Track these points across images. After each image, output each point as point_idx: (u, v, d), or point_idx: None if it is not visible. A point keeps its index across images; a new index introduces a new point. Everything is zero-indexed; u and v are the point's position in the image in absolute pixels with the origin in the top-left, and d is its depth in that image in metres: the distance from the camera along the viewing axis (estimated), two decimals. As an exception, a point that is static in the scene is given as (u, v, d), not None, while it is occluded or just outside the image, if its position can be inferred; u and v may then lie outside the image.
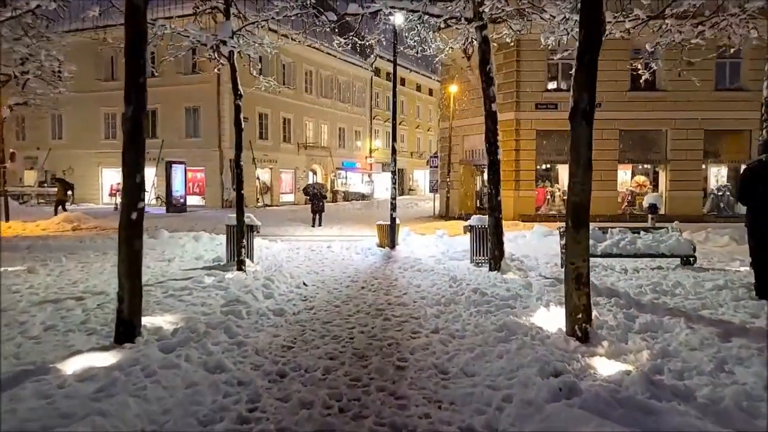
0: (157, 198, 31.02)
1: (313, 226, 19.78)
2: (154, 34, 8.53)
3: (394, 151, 13.81)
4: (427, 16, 9.33)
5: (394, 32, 12.47)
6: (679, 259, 9.40)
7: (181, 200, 28.34)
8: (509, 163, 21.06)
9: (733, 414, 3.42)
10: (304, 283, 8.52)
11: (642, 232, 9.70)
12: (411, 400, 3.98)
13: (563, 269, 9.19)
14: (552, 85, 22.80)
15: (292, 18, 9.14)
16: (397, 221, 13.41)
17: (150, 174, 31.99)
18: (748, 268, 8.66)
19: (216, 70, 10.07)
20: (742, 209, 22.27)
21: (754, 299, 6.62)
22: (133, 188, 5.27)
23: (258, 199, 33.01)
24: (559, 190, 23.18)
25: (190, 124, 32.05)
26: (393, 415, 3.72)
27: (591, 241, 6.15)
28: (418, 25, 9.86)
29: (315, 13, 9.35)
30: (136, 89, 5.17)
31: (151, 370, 4.28)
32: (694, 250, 9.39)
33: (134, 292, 5.26)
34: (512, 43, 12.05)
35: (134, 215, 5.22)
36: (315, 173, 39.85)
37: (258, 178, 33.05)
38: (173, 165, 28.37)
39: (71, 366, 4.45)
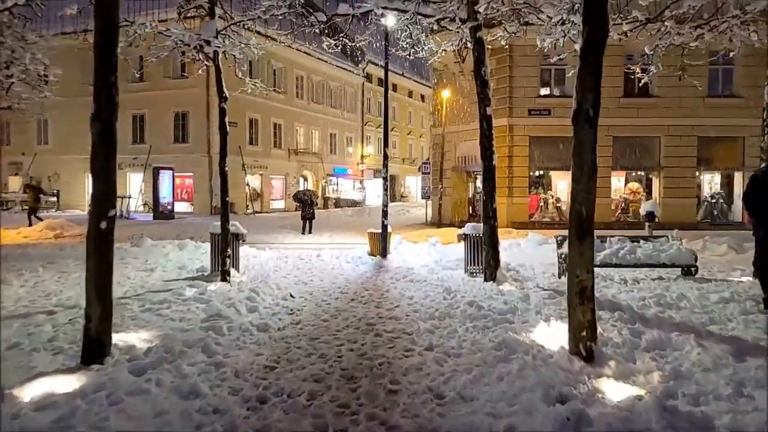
0: (145, 204, 30.47)
1: (303, 233, 19.38)
2: (134, 33, 8.14)
3: (385, 157, 13.46)
4: (419, 17, 9.00)
5: (385, 35, 12.16)
6: (679, 269, 9.09)
7: (169, 207, 27.82)
8: (502, 170, 20.76)
9: (762, 448, 3.08)
10: (291, 295, 8.13)
11: (641, 241, 9.40)
12: (404, 431, 3.61)
13: (561, 279, 8.93)
14: (545, 91, 22.59)
15: (280, 18, 8.78)
16: (389, 229, 13.04)
17: (137, 180, 31.53)
18: (751, 279, 8.40)
19: (200, 71, 9.68)
20: (736, 217, 22.29)
21: (763, 313, 6.31)
22: (102, 195, 4.86)
23: (248, 205, 32.55)
24: (553, 197, 22.95)
25: (178, 129, 31.56)
26: (384, 449, 3.34)
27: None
28: (411, 26, 9.54)
29: (304, 13, 9.00)
30: (106, 88, 4.78)
31: (117, 397, 3.88)
32: (696, 259, 9.09)
33: (104, 308, 4.86)
34: (506, 46, 11.76)
35: (104, 224, 4.82)
36: (306, 179, 39.44)
37: (248, 185, 32.59)
38: (161, 171, 27.84)
39: (30, 392, 4.04)
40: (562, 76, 22.35)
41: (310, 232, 19.46)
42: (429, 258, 12.10)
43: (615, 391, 4.08)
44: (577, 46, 9.11)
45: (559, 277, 9.11)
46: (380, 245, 12.71)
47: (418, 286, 8.90)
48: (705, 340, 5.20)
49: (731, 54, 9.72)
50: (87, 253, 4.86)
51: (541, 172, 23.13)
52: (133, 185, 31.96)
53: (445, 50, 10.47)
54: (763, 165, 8.48)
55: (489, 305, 6.85)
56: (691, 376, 4.31)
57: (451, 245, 13.33)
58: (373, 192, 46.49)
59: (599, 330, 5.08)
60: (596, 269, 8.83)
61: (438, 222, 24.47)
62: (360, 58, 45.10)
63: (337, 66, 41.90)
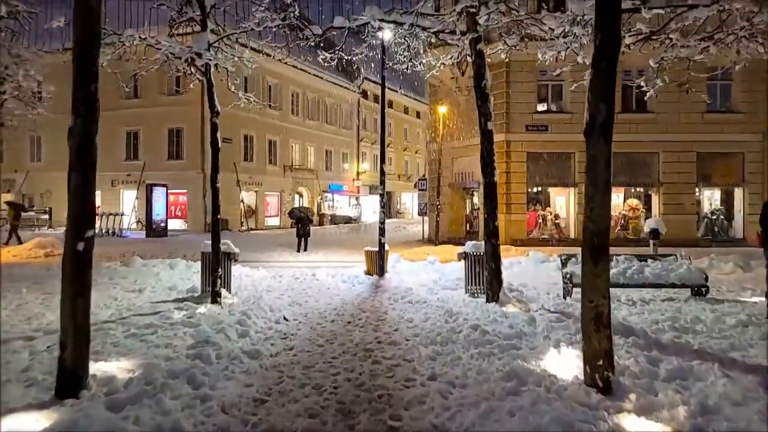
0: (138, 222, 30.03)
1: (298, 251, 19.01)
2: (122, 45, 7.84)
3: (382, 173, 13.16)
4: (418, 29, 8.73)
5: (382, 48, 11.92)
6: (689, 289, 8.74)
7: (162, 224, 27.38)
8: (500, 186, 20.27)
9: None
10: (284, 318, 7.74)
11: (649, 260, 9.06)
12: (408, 478, 3.23)
13: (566, 300, 8.58)
14: (542, 107, 22.41)
15: (274, 30, 8.50)
16: (386, 247, 12.68)
17: (131, 197, 31.14)
18: (763, 299, 8.06)
19: (192, 85, 9.37)
20: (737, 233, 22.00)
21: (784, 338, 5.97)
22: (80, 214, 4.51)
23: (242, 222, 32.15)
24: (551, 213, 22.66)
25: (173, 146, 31.24)
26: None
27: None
28: (408, 39, 9.28)
29: (299, 26, 8.72)
30: (85, 99, 4.45)
31: (89, 439, 3.50)
32: (707, 279, 8.74)
33: (80, 336, 4.49)
34: (506, 59, 11.52)
35: (81, 246, 4.46)
36: (301, 196, 39.09)
37: (242, 201, 32.23)
38: (154, 188, 27.45)
39: (-7, 432, 3.65)
40: (559, 91, 22.24)
41: (305, 250, 19.09)
42: (428, 277, 11.73)
43: (638, 427, 3.72)
44: (580, 59, 8.94)
45: (565, 298, 8.77)
46: (377, 264, 12.34)
47: (418, 307, 8.52)
48: (729, 368, 4.85)
49: (737, 67, 9.47)
50: (63, 276, 4.51)
51: (539, 189, 22.86)
52: (126, 202, 31.60)
53: (444, 64, 10.20)
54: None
55: (494, 329, 6.48)
56: (720, 411, 3.95)
57: (450, 263, 12.97)
58: (369, 208, 46.21)
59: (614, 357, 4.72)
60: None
61: (435, 239, 24.11)
62: (356, 74, 45.09)
63: (332, 82, 41.83)
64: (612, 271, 8.75)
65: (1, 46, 13.62)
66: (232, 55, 8.65)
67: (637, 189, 22.98)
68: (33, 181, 34.26)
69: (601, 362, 4.35)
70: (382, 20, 8.93)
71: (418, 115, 54.91)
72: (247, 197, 33.11)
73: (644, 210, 22.48)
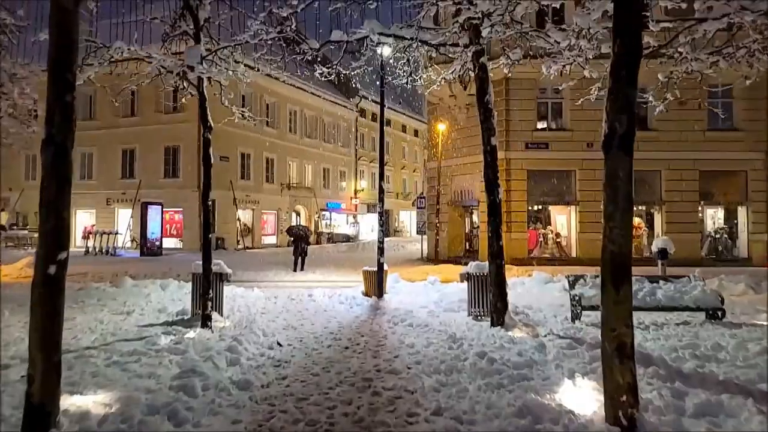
0: (133, 240, 29.60)
1: (294, 270, 18.56)
2: (111, 58, 7.53)
3: (381, 191, 12.81)
4: (419, 44, 8.44)
5: (381, 64, 11.64)
6: (703, 312, 8.33)
7: (157, 243, 26.91)
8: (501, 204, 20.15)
9: None
10: (278, 343, 7.30)
11: (661, 282, 8.66)
12: None
13: (575, 324, 8.16)
14: (542, 125, 22.19)
15: (269, 43, 8.21)
16: (385, 267, 12.26)
17: (126, 215, 30.74)
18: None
19: (183, 100, 9.05)
20: (741, 253, 21.59)
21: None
22: (52, 233, 4.10)
23: (239, 240, 31.72)
24: (552, 232, 22.31)
25: (169, 164, 30.93)
26: None
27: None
28: (408, 53, 9.00)
29: (295, 39, 8.43)
30: (61, 109, 4.09)
31: (50, 491, 3.07)
32: (722, 302, 8.35)
33: (49, 369, 4.08)
34: (506, 76, 11.29)
35: (52, 269, 4.06)
36: (298, 214, 38.71)
37: (239, 220, 31.84)
38: (149, 206, 27.05)
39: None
40: (559, 109, 22.04)
41: (302, 269, 18.66)
42: (428, 298, 11.30)
43: (671, 475, 3.30)
44: (587, 72, 8.65)
45: (573, 321, 8.35)
46: (376, 285, 11.92)
47: (419, 331, 8.10)
48: (761, 403, 4.44)
49: (747, 82, 9.19)
50: (31, 302, 4.11)
51: (540, 207, 22.54)
52: (121, 221, 31.18)
53: (444, 79, 9.91)
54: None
55: (501, 356, 6.06)
56: (760, 454, 3.54)
57: (450, 284, 12.57)
58: (367, 227, 45.82)
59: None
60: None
61: (435, 258, 23.73)
62: (354, 92, 45.03)
63: (330, 101, 41.73)
64: (622, 294, 8.36)
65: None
66: (225, 68, 8.34)
67: (639, 207, 22.65)
68: (28, 199, 33.81)
69: (624, 398, 3.94)
70: (381, 34, 8.63)
71: (416, 133, 54.82)
72: (244, 216, 32.72)
73: (647, 228, 22.16)
